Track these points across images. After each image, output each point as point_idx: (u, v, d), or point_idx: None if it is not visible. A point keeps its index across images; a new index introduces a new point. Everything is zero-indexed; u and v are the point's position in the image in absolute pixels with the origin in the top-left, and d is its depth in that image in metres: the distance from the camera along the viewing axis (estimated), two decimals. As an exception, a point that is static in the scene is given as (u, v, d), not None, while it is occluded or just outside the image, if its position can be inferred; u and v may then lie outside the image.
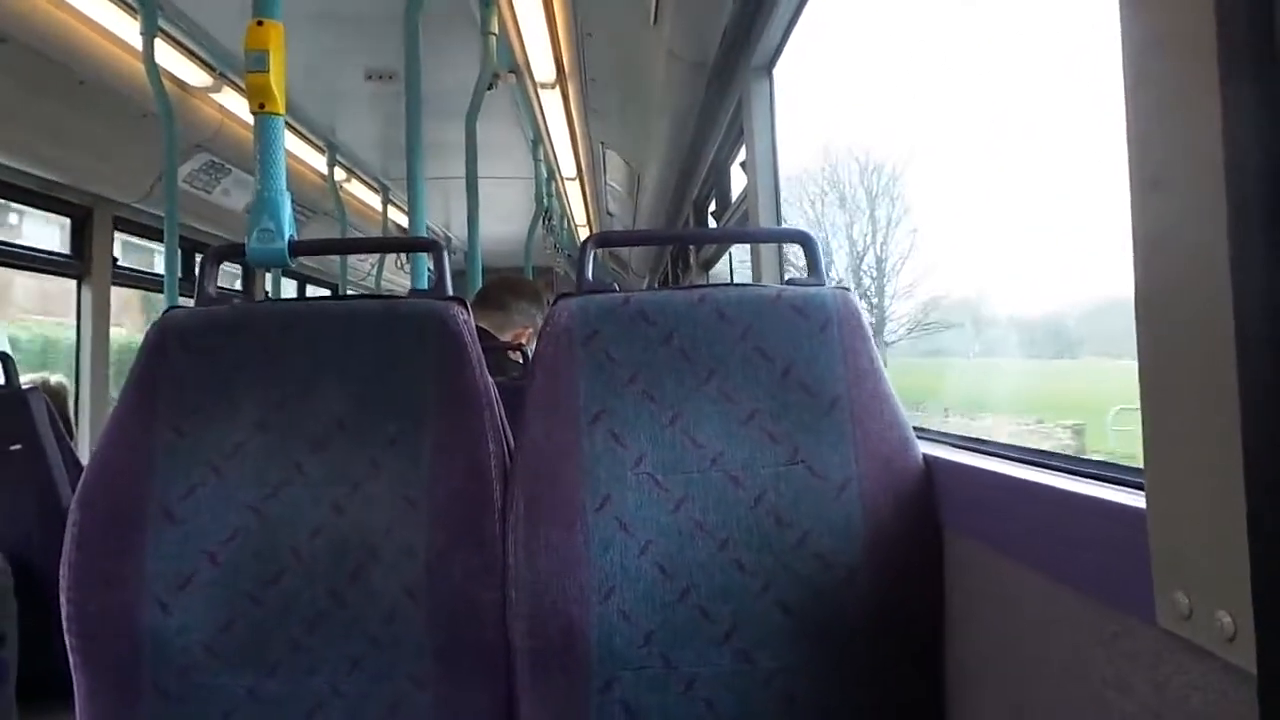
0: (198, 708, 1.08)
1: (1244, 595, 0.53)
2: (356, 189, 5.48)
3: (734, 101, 2.67)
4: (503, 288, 2.53)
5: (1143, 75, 0.62)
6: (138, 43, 2.88)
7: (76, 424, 3.42)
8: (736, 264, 4.16)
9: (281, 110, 1.30)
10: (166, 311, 1.21)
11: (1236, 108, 0.52)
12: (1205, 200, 0.54)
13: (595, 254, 1.27)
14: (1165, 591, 0.62)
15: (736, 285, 1.23)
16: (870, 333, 1.18)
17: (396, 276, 6.78)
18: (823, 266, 1.25)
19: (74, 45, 2.76)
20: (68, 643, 1.09)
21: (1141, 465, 0.64)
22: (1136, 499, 0.71)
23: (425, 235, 2.48)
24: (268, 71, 1.26)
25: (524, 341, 2.52)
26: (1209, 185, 0.54)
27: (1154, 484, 0.63)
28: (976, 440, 1.22)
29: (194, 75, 3.40)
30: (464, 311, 1.19)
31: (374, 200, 5.78)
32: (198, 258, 4.27)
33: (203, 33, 3.13)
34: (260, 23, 1.28)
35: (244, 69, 1.30)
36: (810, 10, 2.07)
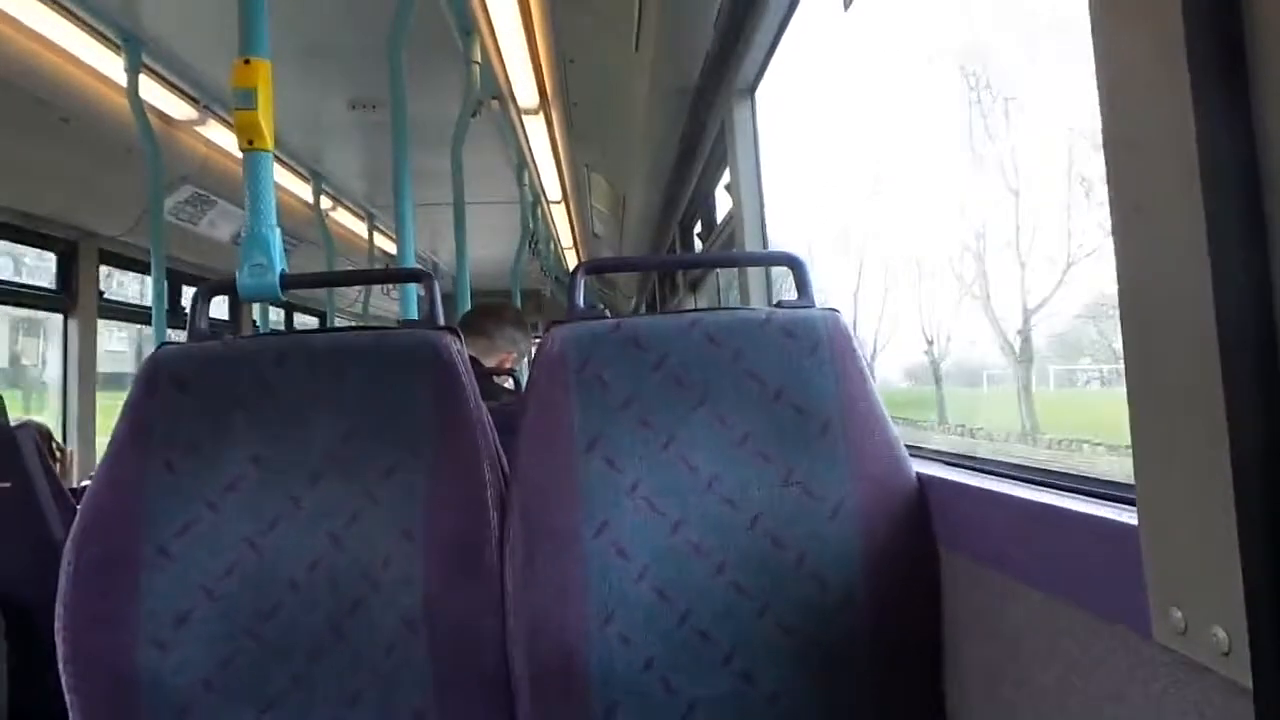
0: None
1: (1238, 610, 0.54)
2: (342, 216, 5.49)
3: (717, 125, 2.69)
4: (486, 314, 2.54)
5: (1117, 104, 0.63)
6: (122, 79, 2.89)
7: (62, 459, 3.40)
8: (724, 283, 4.17)
9: (270, 146, 1.30)
10: (159, 348, 1.21)
11: (1209, 134, 0.54)
12: (1185, 222, 0.56)
13: (585, 280, 1.28)
14: (1161, 607, 0.63)
15: (726, 309, 1.24)
16: (861, 352, 1.19)
17: (384, 302, 6.78)
18: (811, 288, 1.27)
19: (58, 82, 2.76)
20: (64, 683, 1.08)
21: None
22: (1129, 515, 0.72)
23: (414, 264, 2.48)
24: (256, 109, 1.27)
25: (509, 366, 2.52)
26: (1187, 207, 0.56)
27: (1145, 501, 0.64)
28: (967, 458, 1.23)
29: (178, 109, 3.41)
30: (456, 341, 1.20)
31: (360, 228, 5.79)
32: (184, 289, 4.27)
33: (187, 67, 3.14)
34: (247, 61, 1.29)
35: (231, 106, 1.31)
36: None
